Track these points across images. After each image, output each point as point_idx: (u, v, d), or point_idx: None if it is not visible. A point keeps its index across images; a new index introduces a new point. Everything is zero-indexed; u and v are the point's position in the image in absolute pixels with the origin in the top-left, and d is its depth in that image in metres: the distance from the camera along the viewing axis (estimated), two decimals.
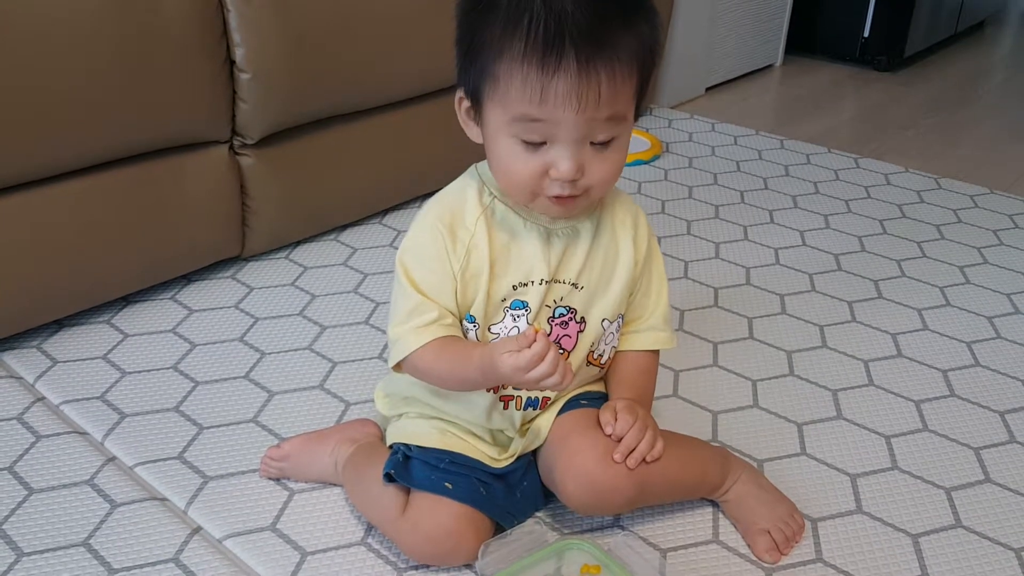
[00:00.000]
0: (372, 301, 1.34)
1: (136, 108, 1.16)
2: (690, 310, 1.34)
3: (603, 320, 0.88)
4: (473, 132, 0.81)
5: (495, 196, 0.84)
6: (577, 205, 0.79)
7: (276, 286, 1.37)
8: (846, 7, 2.63)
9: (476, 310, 0.83)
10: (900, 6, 2.55)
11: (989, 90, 2.58)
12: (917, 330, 1.31)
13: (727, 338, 1.27)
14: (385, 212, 1.61)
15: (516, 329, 0.84)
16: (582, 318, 0.87)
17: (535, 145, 0.74)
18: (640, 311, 0.93)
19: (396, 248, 1.49)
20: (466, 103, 0.80)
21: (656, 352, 0.95)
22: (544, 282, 0.83)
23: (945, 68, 2.74)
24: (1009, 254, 1.55)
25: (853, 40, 2.65)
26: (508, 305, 0.84)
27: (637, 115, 0.79)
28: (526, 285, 0.83)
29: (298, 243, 1.49)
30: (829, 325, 1.31)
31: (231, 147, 1.31)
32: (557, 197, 0.77)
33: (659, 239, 1.55)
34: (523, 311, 0.84)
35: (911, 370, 1.21)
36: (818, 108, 2.37)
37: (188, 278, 1.37)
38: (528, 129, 0.74)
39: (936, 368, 1.22)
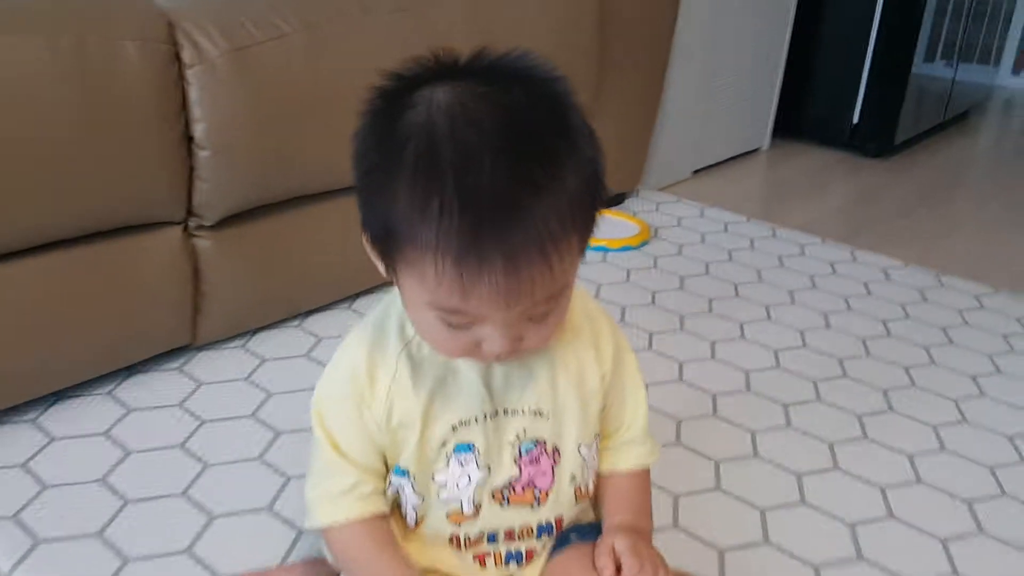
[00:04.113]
0: None
1: (82, 185, 1.04)
2: (688, 420, 1.21)
3: (580, 446, 0.75)
4: (381, 268, 0.64)
5: None
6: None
7: (228, 381, 1.23)
8: (836, 92, 2.58)
9: (407, 461, 0.70)
10: (891, 93, 2.51)
11: (980, 180, 2.53)
12: (935, 451, 1.19)
13: (729, 455, 1.14)
14: (355, 297, 1.49)
15: (467, 478, 0.71)
16: (555, 448, 0.74)
17: (460, 325, 0.61)
18: (615, 424, 0.80)
19: None
20: (371, 250, 0.65)
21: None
22: (488, 416, 0.70)
23: (934, 156, 2.70)
24: (1022, 363, 1.45)
25: (842, 125, 2.60)
26: (450, 450, 0.70)
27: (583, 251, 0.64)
28: (467, 424, 0.70)
29: (256, 330, 1.36)
30: (840, 442, 1.19)
31: (186, 228, 1.19)
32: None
33: (651, 335, 1.45)
34: (470, 454, 0.71)
35: (933, 500, 1.09)
36: (808, 194, 2.29)
37: (130, 369, 1.23)
38: (450, 316, 0.60)
39: (959, 498, 1.10)
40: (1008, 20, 3.18)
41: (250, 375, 1.25)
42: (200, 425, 1.13)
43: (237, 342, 1.33)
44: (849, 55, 2.52)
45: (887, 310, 1.61)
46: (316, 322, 1.41)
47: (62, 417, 1.12)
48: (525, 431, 0.71)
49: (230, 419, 1.15)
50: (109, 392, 1.18)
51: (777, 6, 2.42)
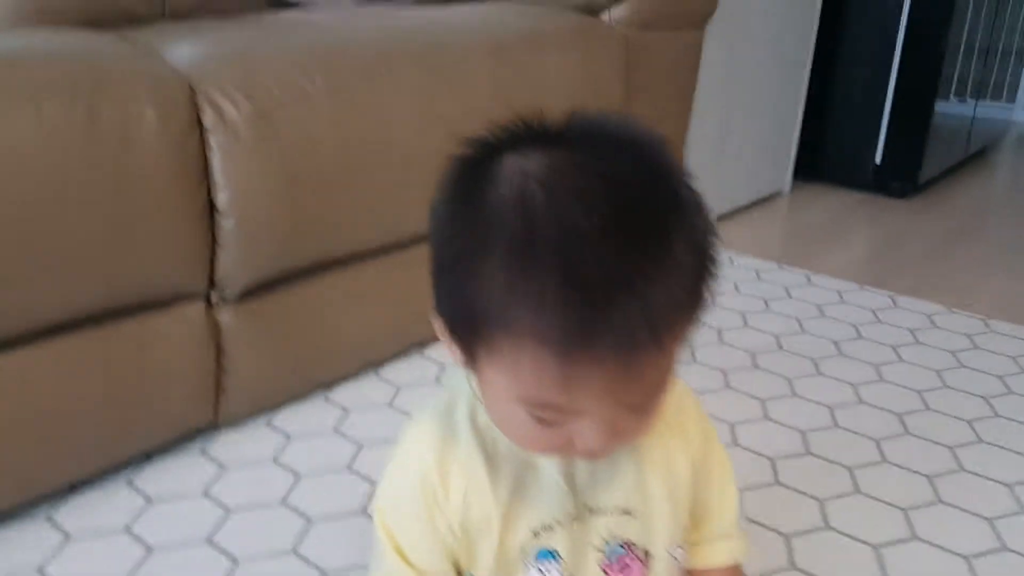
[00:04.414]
0: (369, 481, 1.12)
1: (98, 261, 0.97)
2: (750, 489, 1.13)
3: (672, 547, 0.67)
4: (456, 356, 0.57)
5: None
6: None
7: (254, 463, 1.15)
8: (857, 133, 2.54)
9: (482, 571, 0.62)
10: (913, 132, 2.46)
11: (1007, 220, 2.47)
12: (1015, 512, 1.11)
13: (800, 528, 1.06)
14: (380, 364, 1.41)
15: None
16: (645, 552, 0.65)
17: (553, 422, 0.53)
18: (703, 515, 0.72)
19: (394, 408, 1.31)
20: (444, 335, 0.57)
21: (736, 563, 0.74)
22: (572, 518, 0.63)
23: (958, 195, 2.64)
24: None
25: (865, 166, 2.55)
26: (531, 557, 0.62)
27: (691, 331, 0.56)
28: (550, 528, 0.62)
29: (281, 405, 1.28)
30: (914, 508, 1.11)
31: (208, 301, 1.12)
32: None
33: (696, 395, 1.37)
34: (553, 563, 0.63)
35: (1022, 569, 1.01)
36: (836, 237, 2.23)
37: (149, 455, 1.15)
38: (543, 411, 0.52)
39: None
40: (1021, 56, 3.16)
41: (277, 456, 1.17)
42: (227, 515, 1.04)
43: (261, 419, 1.25)
44: (869, 95, 2.48)
45: (939, 359, 1.53)
46: (343, 393, 1.34)
47: (78, 511, 1.04)
48: (612, 532, 0.63)
49: (259, 507, 1.06)
50: (127, 480, 1.10)
51: (794, 47, 2.39)
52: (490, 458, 0.61)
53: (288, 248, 1.15)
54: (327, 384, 1.34)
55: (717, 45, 2.04)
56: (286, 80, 1.13)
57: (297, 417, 1.26)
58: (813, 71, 2.47)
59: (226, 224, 1.06)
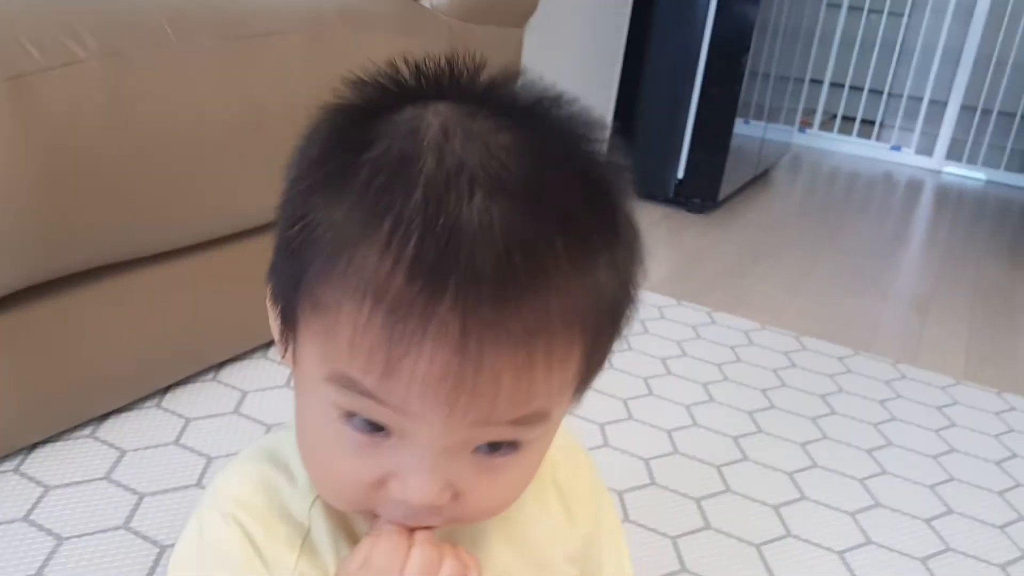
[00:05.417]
0: (154, 543, 0.91)
1: None
2: None
3: None
4: (276, 332, 0.44)
5: None
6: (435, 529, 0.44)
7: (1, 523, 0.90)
8: (660, 148, 2.56)
9: None
10: (714, 150, 2.52)
11: (801, 237, 2.58)
12: (861, 544, 1.08)
13: (654, 566, 0.97)
14: (165, 391, 1.19)
15: None
16: None
17: (371, 431, 0.39)
18: None
19: (182, 446, 1.10)
20: (273, 310, 0.44)
21: None
22: None
23: (751, 212, 2.74)
24: (911, 433, 1.39)
25: (667, 181, 2.58)
26: None
27: (580, 387, 0.44)
28: None
29: (34, 446, 1.03)
30: (766, 544, 1.05)
31: None
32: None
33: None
34: None
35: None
36: (648, 251, 2.22)
37: None
38: (361, 405, 0.38)
39: None
40: (801, 83, 3.36)
41: (30, 512, 0.92)
42: None
43: (9, 464, 0.99)
44: (674, 113, 2.51)
45: (763, 378, 1.52)
46: (115, 427, 1.10)
47: None
48: None
49: None
50: None
51: (603, 62, 2.38)
52: (329, 514, 0.47)
53: (45, 250, 0.91)
54: (98, 419, 1.10)
55: (532, 57, 1.96)
56: (49, 38, 0.89)
57: (57, 459, 1.02)
58: (621, 87, 2.48)
59: None
